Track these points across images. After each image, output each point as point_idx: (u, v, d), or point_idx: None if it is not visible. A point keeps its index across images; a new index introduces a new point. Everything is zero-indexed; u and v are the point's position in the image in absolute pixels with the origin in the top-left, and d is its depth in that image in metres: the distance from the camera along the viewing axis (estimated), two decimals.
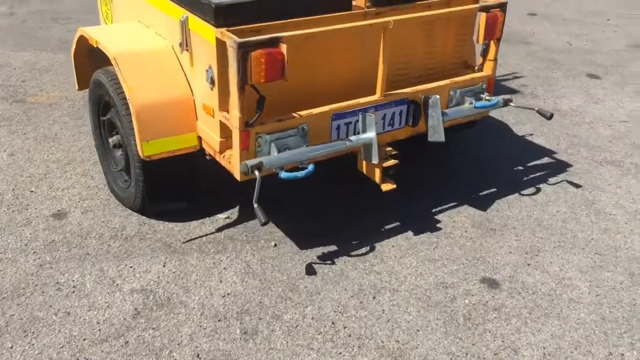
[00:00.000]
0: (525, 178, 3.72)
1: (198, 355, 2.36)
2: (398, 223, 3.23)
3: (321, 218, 3.26)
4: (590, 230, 3.23)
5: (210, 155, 2.96)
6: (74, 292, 2.68)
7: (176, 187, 3.13)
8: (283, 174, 2.63)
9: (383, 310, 2.64)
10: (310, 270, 2.86)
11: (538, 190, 3.58)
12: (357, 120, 2.88)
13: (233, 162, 2.70)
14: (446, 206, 3.39)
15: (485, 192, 3.54)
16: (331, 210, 3.34)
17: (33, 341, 2.40)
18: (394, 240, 3.10)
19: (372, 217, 3.28)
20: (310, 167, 2.68)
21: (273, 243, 3.04)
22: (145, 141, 2.79)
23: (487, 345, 2.46)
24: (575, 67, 5.57)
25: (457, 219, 3.28)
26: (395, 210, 3.33)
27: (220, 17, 2.55)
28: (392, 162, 2.94)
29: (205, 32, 2.64)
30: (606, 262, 2.99)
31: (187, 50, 2.81)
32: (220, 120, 2.72)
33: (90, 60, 3.34)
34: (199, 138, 2.93)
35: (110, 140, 3.25)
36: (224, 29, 2.53)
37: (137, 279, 2.77)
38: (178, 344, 2.41)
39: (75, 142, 3.98)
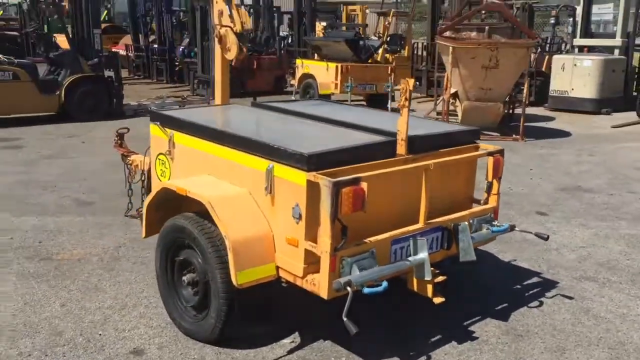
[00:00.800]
0: (526, 294, 4.35)
1: None
2: (440, 336, 3.71)
3: (373, 334, 3.69)
4: (596, 331, 3.84)
5: (287, 281, 3.39)
6: None
7: (256, 314, 3.49)
8: (366, 290, 3.12)
9: None
10: None
11: (541, 303, 4.20)
12: (409, 245, 3.45)
13: (320, 283, 3.15)
14: (473, 320, 3.92)
15: (499, 307, 4.12)
16: (377, 325, 3.78)
17: None
18: (443, 349, 3.56)
19: (416, 330, 3.75)
20: (385, 283, 3.18)
21: (343, 359, 3.43)
22: (239, 271, 3.20)
23: None
24: (524, 207, 6.51)
25: (488, 329, 3.81)
26: (434, 323, 3.82)
27: (312, 164, 3.13)
28: (441, 277, 3.49)
29: (292, 176, 3.20)
30: (620, 354, 3.58)
31: (269, 193, 3.34)
32: (305, 249, 3.21)
33: (158, 212, 3.79)
34: (277, 267, 3.37)
35: (183, 278, 3.60)
36: (314, 173, 3.11)
37: None
38: None
39: (120, 290, 4.25)
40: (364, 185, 3.10)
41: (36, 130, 10.57)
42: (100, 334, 3.66)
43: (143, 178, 5.25)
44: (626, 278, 4.68)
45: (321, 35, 14.70)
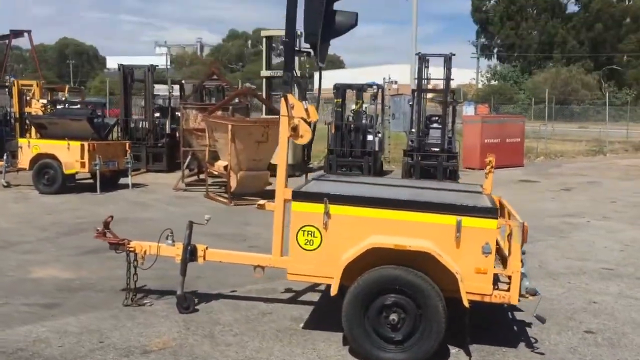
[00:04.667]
0: None
1: None
2: None
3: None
4: None
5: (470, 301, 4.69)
6: None
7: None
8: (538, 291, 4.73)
9: None
10: None
11: None
12: None
13: (512, 294, 4.59)
14: None
15: None
16: None
17: None
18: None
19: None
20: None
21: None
22: (466, 292, 4.42)
23: None
24: None
25: None
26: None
27: (498, 214, 4.60)
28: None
29: (482, 224, 4.57)
30: None
31: (457, 239, 4.60)
32: (493, 274, 4.61)
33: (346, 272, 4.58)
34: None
35: (392, 317, 4.49)
36: (501, 219, 4.59)
37: None
38: None
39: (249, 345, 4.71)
40: (527, 223, 4.71)
41: None
42: None
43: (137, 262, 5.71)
44: None
45: (40, 112, 13.92)
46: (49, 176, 12.64)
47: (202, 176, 14.64)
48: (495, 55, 78.40)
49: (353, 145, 15.94)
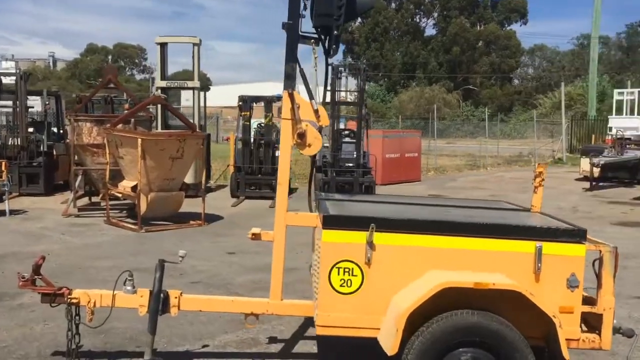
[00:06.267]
0: None
1: None
2: None
3: None
4: None
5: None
6: None
7: None
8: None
9: None
10: None
11: None
12: None
13: (604, 337, 3.69)
14: None
15: None
16: None
17: None
18: None
19: None
20: None
21: None
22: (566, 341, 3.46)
23: None
24: None
25: None
26: None
27: (585, 237, 3.69)
28: None
29: (567, 251, 3.65)
30: None
31: (538, 270, 3.64)
32: (581, 312, 3.69)
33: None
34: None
35: None
36: (589, 244, 3.69)
37: None
38: None
39: None
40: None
41: None
42: None
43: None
44: None
45: None
46: None
47: (95, 199, 12.77)
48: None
49: (262, 162, 14.69)
